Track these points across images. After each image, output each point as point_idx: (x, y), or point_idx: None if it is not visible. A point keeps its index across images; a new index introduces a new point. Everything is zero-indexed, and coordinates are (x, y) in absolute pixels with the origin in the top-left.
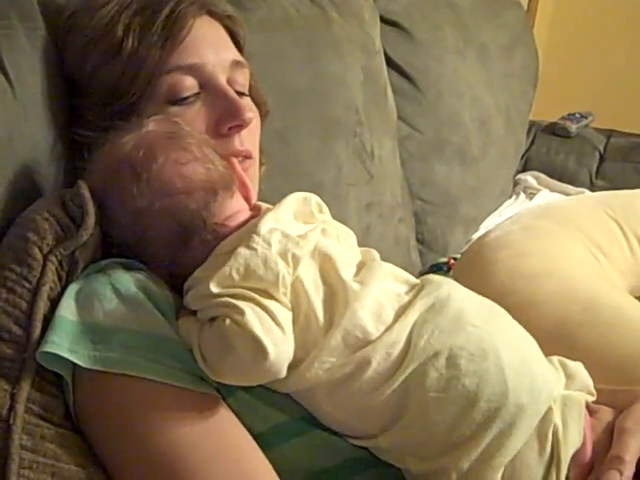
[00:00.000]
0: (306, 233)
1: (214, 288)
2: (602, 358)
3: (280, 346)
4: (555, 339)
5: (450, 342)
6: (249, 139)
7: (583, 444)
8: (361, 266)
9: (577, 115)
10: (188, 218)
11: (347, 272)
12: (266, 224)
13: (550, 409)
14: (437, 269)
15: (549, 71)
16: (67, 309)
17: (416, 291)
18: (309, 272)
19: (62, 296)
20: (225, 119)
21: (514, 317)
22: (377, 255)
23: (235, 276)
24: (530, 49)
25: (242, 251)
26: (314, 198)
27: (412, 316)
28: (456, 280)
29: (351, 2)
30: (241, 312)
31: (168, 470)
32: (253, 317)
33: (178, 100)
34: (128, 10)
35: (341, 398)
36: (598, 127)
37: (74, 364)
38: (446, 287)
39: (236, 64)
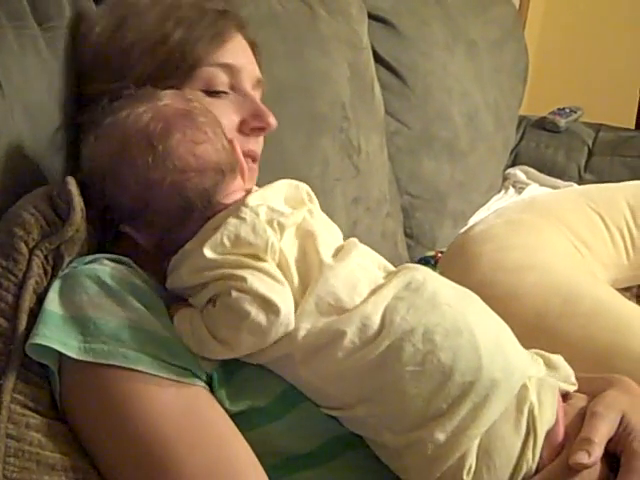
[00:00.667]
0: (292, 211)
1: (208, 253)
2: (582, 349)
3: (285, 298)
4: (536, 331)
5: (425, 319)
6: (259, 145)
7: (556, 424)
8: (340, 249)
9: (566, 110)
10: (196, 196)
11: (326, 250)
12: (254, 200)
13: (525, 387)
14: (425, 262)
15: (539, 66)
16: (55, 302)
17: (392, 275)
18: (291, 248)
19: (48, 290)
20: (251, 120)
21: (495, 309)
22: (358, 242)
23: (226, 242)
24: (520, 44)
25: (232, 221)
26: (305, 187)
27: (388, 293)
28: (441, 273)
29: None
30: (242, 279)
31: (152, 459)
32: (255, 280)
33: (212, 92)
34: (178, 11)
35: (318, 365)
36: (587, 121)
37: (61, 355)
38: (421, 272)
39: (258, 82)
